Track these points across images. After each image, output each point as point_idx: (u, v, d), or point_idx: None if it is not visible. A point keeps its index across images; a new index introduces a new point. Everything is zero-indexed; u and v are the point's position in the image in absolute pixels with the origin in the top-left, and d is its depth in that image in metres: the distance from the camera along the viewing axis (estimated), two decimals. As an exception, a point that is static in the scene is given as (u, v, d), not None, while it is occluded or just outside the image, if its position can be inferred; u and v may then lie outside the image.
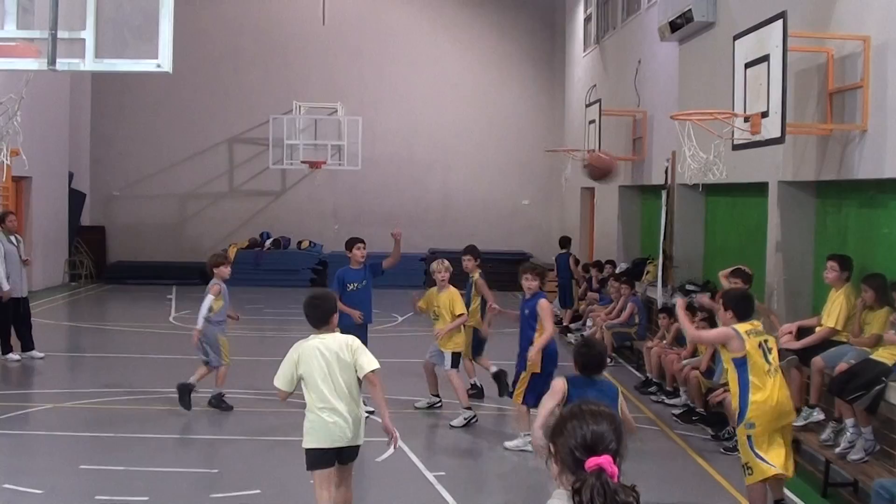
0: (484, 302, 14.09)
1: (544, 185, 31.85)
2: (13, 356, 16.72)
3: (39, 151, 22.47)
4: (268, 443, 11.98)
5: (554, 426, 3.79)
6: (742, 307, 9.24)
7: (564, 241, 22.98)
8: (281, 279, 29.17)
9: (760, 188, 14.25)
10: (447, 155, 31.77)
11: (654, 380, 14.93)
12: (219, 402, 13.64)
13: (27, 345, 16.96)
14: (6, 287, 16.39)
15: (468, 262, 14.53)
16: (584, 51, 27.94)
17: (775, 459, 8.80)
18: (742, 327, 8.96)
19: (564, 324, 20.79)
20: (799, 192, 13.41)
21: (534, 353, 11.29)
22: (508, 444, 11.74)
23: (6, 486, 9.93)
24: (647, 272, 19.57)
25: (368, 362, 7.57)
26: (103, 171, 31.71)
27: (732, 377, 8.98)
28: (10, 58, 5.96)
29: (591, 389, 7.70)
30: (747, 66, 12.21)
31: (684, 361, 13.53)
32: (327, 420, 7.67)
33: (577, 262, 23.16)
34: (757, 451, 8.78)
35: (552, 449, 3.77)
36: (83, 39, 5.73)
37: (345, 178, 30.89)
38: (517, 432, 11.77)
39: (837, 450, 10.02)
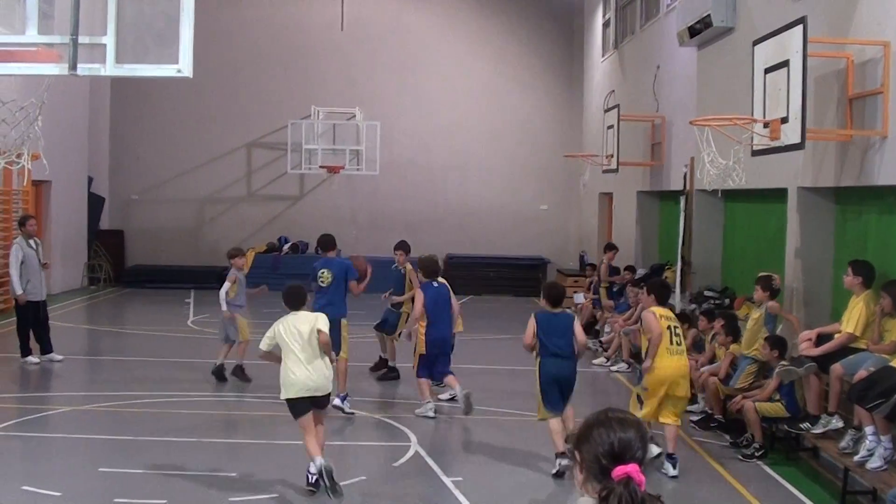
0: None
1: (562, 190, 31.83)
2: (32, 359, 16.80)
3: (59, 156, 22.54)
4: (285, 447, 11.97)
5: (579, 433, 3.73)
6: (662, 293, 11.78)
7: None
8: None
9: (780, 194, 14.20)
10: (465, 160, 31.76)
11: (672, 386, 14.87)
12: (240, 373, 15.71)
13: (46, 348, 17.04)
14: (19, 291, 16.48)
15: (400, 257, 16.40)
16: (603, 56, 27.91)
17: (663, 415, 11.18)
18: (658, 310, 11.29)
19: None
20: (818, 198, 13.35)
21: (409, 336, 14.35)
22: (417, 410, 13.64)
23: (25, 488, 9.98)
24: (666, 278, 19.53)
25: (323, 325, 10.17)
26: (122, 175, 31.82)
27: (644, 348, 11.45)
28: (31, 63, 5.99)
29: (553, 318, 11.18)
30: (767, 71, 12.18)
31: (703, 368, 13.48)
32: (300, 375, 9.97)
33: (593, 266, 23.13)
34: (647, 403, 11.17)
35: (578, 456, 3.70)
36: (104, 45, 5.75)
37: (362, 183, 30.92)
38: (420, 401, 13.76)
39: (856, 458, 9.96)
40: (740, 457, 11.71)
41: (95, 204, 30.16)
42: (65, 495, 9.83)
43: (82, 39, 5.81)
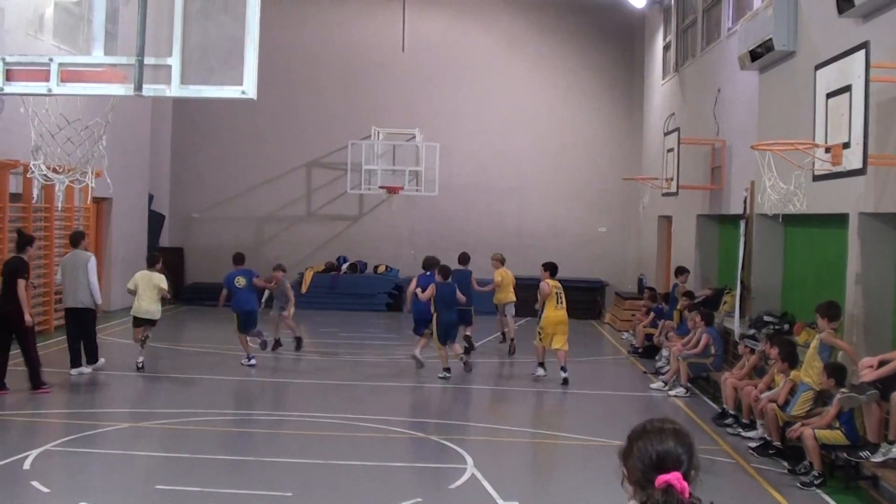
0: None
1: (621, 212, 31.70)
2: (84, 369, 17.18)
3: (121, 173, 22.85)
4: (341, 467, 12.02)
5: (624, 448, 3.83)
6: (552, 268, 18.52)
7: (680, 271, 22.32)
8: (356, 303, 29.34)
9: (841, 219, 14.06)
10: (524, 182, 31.74)
11: (730, 412, 14.73)
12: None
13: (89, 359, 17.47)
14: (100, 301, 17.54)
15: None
16: (663, 79, 27.82)
17: (554, 343, 18.00)
18: (550, 281, 18.21)
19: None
20: (880, 223, 13.20)
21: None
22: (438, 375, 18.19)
23: (83, 503, 10.09)
24: (725, 302, 19.39)
25: (160, 281, 17.68)
26: (183, 193, 32.17)
27: (542, 305, 18.15)
28: (98, 83, 6.09)
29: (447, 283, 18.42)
30: (829, 96, 12.09)
31: (763, 395, 13.35)
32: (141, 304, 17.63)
33: (650, 290, 23.07)
34: (543, 340, 18.10)
35: (624, 470, 3.81)
36: (169, 65, 5.82)
37: (421, 204, 31.01)
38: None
39: (918, 487, 9.81)
40: (799, 485, 11.56)
41: (156, 221, 30.51)
42: (123, 510, 9.94)
43: (148, 60, 5.89)
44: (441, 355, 18.37)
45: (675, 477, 3.59)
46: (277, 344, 20.97)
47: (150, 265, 18.34)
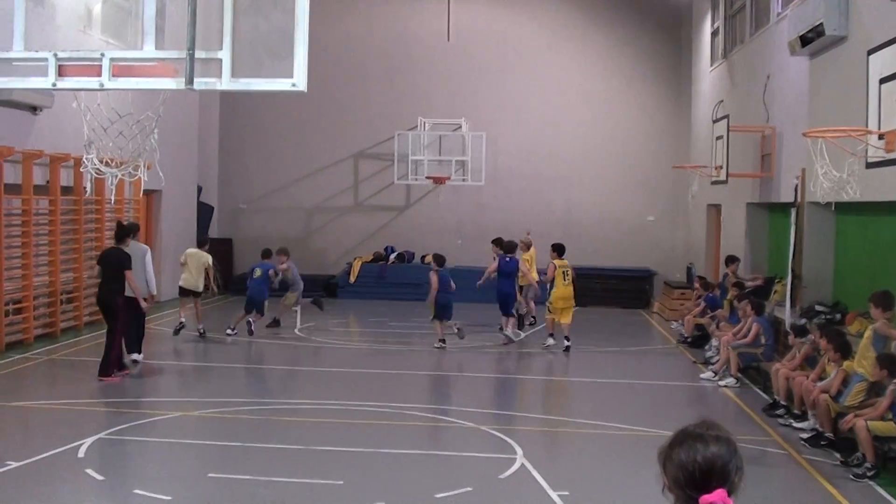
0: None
1: (670, 201, 31.48)
2: (136, 356, 17.35)
3: (170, 165, 22.86)
4: (392, 455, 12.06)
5: (664, 455, 3.63)
6: (559, 249, 21.06)
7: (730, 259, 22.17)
8: (405, 293, 29.38)
9: (894, 207, 13.89)
10: (570, 170, 31.61)
11: (781, 402, 14.61)
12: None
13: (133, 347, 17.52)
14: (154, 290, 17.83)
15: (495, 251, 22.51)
16: (711, 65, 27.60)
17: (561, 318, 20.46)
18: (557, 261, 20.68)
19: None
20: (935, 211, 13.04)
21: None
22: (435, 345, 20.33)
23: (137, 491, 10.21)
24: (775, 291, 19.23)
25: (207, 259, 19.15)
26: (231, 184, 32.37)
27: (549, 282, 20.72)
28: (150, 77, 6.11)
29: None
30: (882, 81, 11.96)
31: (817, 384, 13.22)
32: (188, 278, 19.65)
33: (701, 279, 22.94)
34: (553, 313, 20.56)
35: (665, 480, 3.62)
36: (219, 59, 5.82)
37: (468, 194, 31.00)
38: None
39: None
40: (851, 476, 11.43)
41: (205, 213, 30.72)
42: (174, 499, 10.03)
43: (198, 54, 5.90)
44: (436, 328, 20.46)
45: (719, 497, 3.41)
46: (276, 323, 23.07)
47: (200, 245, 21.56)
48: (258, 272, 22.09)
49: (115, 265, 16.27)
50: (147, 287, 17.39)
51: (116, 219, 23.17)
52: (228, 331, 21.38)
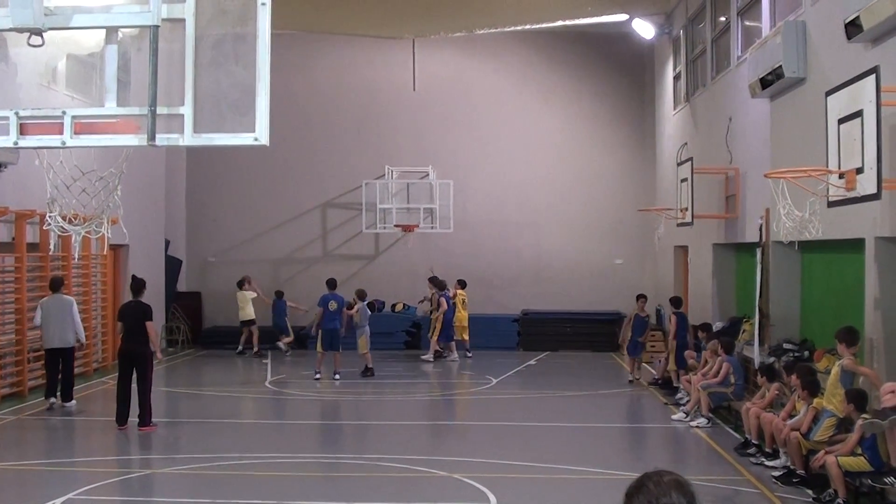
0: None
1: (637, 243, 31.61)
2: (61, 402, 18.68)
3: (136, 219, 23.01)
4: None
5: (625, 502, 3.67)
6: (462, 283, 27.54)
7: (677, 302, 22.40)
8: (376, 342, 29.16)
9: (857, 244, 14.03)
10: (538, 215, 31.74)
11: (753, 441, 14.66)
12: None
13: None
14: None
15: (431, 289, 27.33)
16: (675, 109, 27.87)
17: (464, 334, 26.97)
18: (459, 292, 26.98)
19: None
20: (897, 247, 13.17)
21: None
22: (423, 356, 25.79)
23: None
24: (744, 331, 19.33)
25: (251, 295, 25.75)
26: (199, 237, 32.31)
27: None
28: (112, 134, 6.12)
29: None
30: (840, 121, 12.10)
31: (787, 422, 13.28)
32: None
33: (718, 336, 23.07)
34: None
35: None
36: (181, 115, 5.85)
37: (437, 241, 31.02)
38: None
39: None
40: (824, 513, 11.49)
41: (173, 266, 30.61)
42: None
43: (160, 110, 5.92)
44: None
45: None
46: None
47: (240, 287, 28.24)
48: (333, 304, 23.28)
49: (139, 318, 17.00)
50: (76, 336, 18.78)
51: (83, 274, 23.18)
52: (317, 375, 22.98)
